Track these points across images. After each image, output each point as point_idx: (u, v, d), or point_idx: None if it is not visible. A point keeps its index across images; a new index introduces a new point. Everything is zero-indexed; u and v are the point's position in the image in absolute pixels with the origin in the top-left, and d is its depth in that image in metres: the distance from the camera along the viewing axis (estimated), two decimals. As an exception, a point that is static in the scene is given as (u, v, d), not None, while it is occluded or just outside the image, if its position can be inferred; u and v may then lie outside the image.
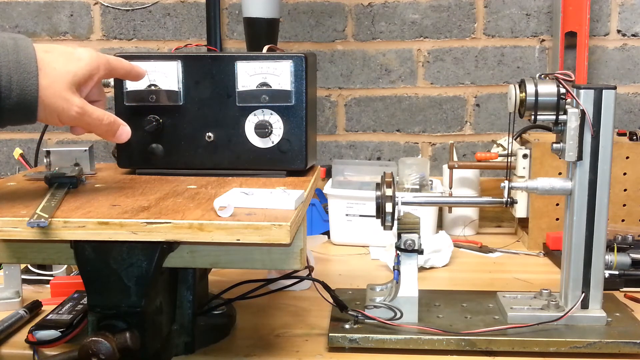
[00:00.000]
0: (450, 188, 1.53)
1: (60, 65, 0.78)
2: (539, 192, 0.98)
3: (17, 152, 1.30)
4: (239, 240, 0.75)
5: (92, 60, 0.81)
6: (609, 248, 1.18)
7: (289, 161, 1.02)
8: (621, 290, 1.16)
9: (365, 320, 0.97)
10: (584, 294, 0.97)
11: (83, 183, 0.95)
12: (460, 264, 1.36)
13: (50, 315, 1.00)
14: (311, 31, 1.79)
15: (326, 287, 0.99)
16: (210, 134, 1.02)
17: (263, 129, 1.01)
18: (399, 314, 0.97)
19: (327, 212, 1.51)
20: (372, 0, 1.77)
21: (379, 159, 1.83)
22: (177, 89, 1.02)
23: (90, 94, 0.83)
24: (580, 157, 0.94)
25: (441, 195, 1.50)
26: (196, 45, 1.67)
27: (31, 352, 0.94)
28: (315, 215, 1.53)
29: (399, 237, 0.99)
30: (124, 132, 0.86)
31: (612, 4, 1.73)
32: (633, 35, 1.74)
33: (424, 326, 0.95)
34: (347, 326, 0.96)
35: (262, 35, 1.47)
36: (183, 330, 0.93)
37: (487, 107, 1.80)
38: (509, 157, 1.35)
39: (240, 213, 0.78)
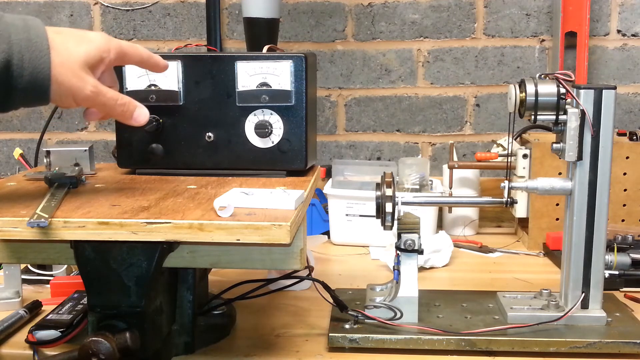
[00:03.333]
0: (450, 188, 1.53)
1: (72, 45, 0.77)
2: (539, 192, 0.98)
3: (17, 152, 1.30)
4: (239, 240, 0.75)
5: (103, 43, 0.80)
6: (609, 248, 1.18)
7: (289, 161, 1.02)
8: (621, 290, 1.16)
9: (365, 320, 0.97)
10: (584, 294, 0.97)
11: (83, 183, 0.95)
12: (460, 264, 1.36)
13: (50, 315, 1.00)
14: (311, 31, 1.79)
15: (326, 287, 0.99)
16: (210, 134, 1.02)
17: (263, 129, 1.01)
18: (399, 314, 0.97)
19: (327, 212, 1.51)
20: (372, 0, 1.77)
21: (379, 159, 1.83)
22: (177, 89, 1.02)
23: (102, 79, 0.81)
24: (580, 157, 0.94)
25: (441, 195, 1.50)
26: (196, 45, 1.67)
27: (31, 352, 0.94)
28: (315, 215, 1.53)
29: (399, 237, 0.99)
30: (141, 114, 0.84)
31: (612, 4, 1.73)
32: (633, 35, 1.74)
33: (424, 326, 0.95)
34: (347, 326, 0.96)
35: (262, 35, 1.47)
36: (183, 330, 0.93)
37: (487, 107, 1.80)
38: (509, 157, 1.35)
39: (240, 213, 0.78)
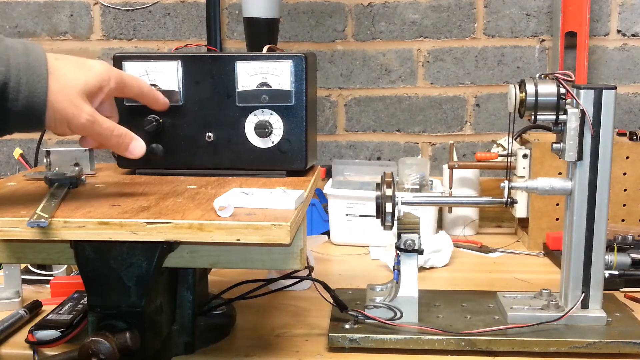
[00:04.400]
0: (450, 188, 1.53)
1: (71, 72, 0.76)
2: (539, 192, 0.98)
3: (17, 152, 1.30)
4: (239, 240, 0.75)
5: (103, 72, 0.79)
6: (609, 248, 1.18)
7: (289, 161, 1.02)
8: (621, 290, 1.17)
9: (365, 320, 0.97)
10: (584, 294, 0.97)
11: (83, 183, 0.95)
12: (460, 264, 1.36)
13: (50, 315, 1.00)
14: (311, 31, 1.79)
15: (326, 287, 0.99)
16: (210, 134, 1.02)
17: (263, 129, 1.01)
18: (399, 314, 0.97)
19: (327, 212, 1.51)
20: (372, 0, 1.77)
21: (379, 159, 1.83)
22: (177, 89, 1.02)
23: (102, 108, 0.81)
24: (580, 157, 0.94)
25: (441, 195, 1.50)
26: (196, 45, 1.67)
27: (31, 352, 0.94)
28: (315, 215, 1.53)
29: (399, 237, 0.99)
30: (137, 147, 0.83)
31: (612, 4, 1.73)
32: (633, 35, 1.74)
33: (424, 326, 0.95)
34: (347, 326, 0.96)
35: (262, 35, 1.47)
36: (183, 330, 0.93)
37: (487, 107, 1.80)
38: (509, 157, 1.35)
39: (240, 213, 0.78)
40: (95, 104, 0.80)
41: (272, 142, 1.02)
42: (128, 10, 1.82)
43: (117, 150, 0.83)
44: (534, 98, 0.94)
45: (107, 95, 0.81)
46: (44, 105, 0.74)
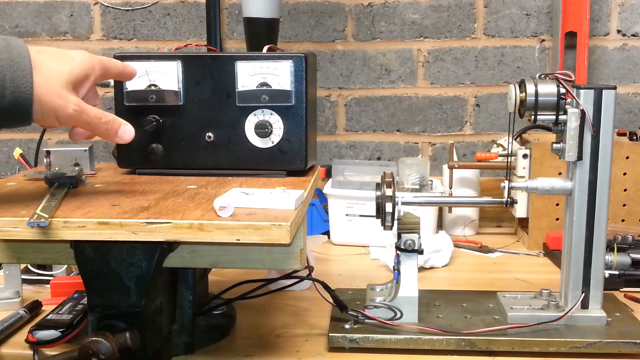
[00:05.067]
0: (450, 188, 1.53)
1: (55, 65, 0.77)
2: (539, 192, 0.98)
3: (17, 152, 1.30)
4: (239, 240, 0.75)
5: (86, 61, 0.80)
6: (609, 248, 1.18)
7: (289, 161, 1.02)
8: (621, 290, 1.16)
9: (365, 320, 0.97)
10: (584, 294, 0.97)
11: (83, 183, 0.95)
12: (460, 264, 1.36)
13: (50, 315, 1.00)
14: (311, 31, 1.79)
15: (326, 287, 0.99)
16: (210, 134, 1.02)
17: (263, 129, 1.01)
18: (399, 314, 0.97)
19: (327, 212, 1.51)
20: (372, 0, 1.77)
21: (379, 159, 1.83)
22: (177, 89, 1.02)
23: (86, 97, 0.82)
24: (580, 157, 0.94)
25: (441, 195, 1.50)
26: (196, 45, 1.67)
27: (31, 352, 0.94)
28: (315, 215, 1.53)
29: (399, 237, 0.99)
30: (126, 131, 0.84)
31: (612, 4, 1.73)
32: (633, 35, 1.74)
33: (424, 326, 0.95)
34: (347, 326, 0.96)
35: (262, 35, 1.47)
36: (183, 330, 0.93)
37: (487, 107, 1.80)
38: (509, 157, 1.35)
39: (240, 213, 0.78)
40: (82, 93, 0.80)
41: (272, 142, 1.02)
42: (128, 10, 1.82)
43: (106, 137, 0.83)
44: (534, 98, 0.94)
45: (93, 82, 0.82)
46: (31, 99, 0.74)
